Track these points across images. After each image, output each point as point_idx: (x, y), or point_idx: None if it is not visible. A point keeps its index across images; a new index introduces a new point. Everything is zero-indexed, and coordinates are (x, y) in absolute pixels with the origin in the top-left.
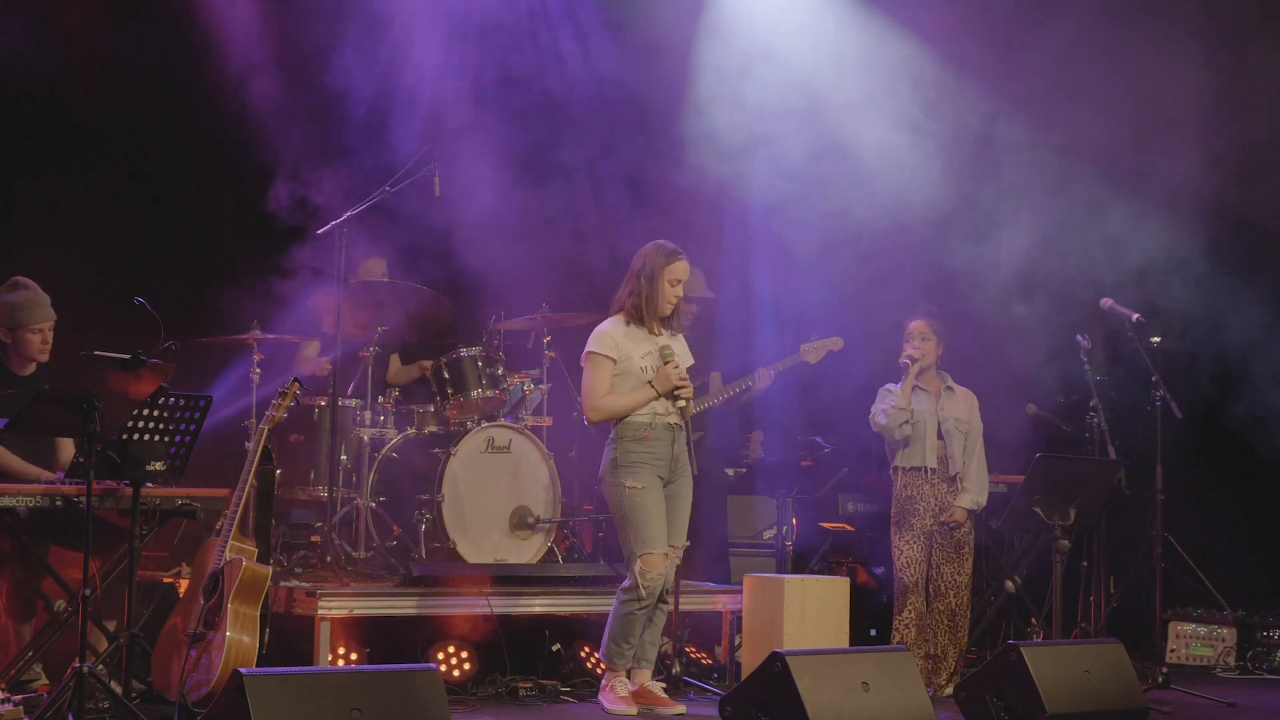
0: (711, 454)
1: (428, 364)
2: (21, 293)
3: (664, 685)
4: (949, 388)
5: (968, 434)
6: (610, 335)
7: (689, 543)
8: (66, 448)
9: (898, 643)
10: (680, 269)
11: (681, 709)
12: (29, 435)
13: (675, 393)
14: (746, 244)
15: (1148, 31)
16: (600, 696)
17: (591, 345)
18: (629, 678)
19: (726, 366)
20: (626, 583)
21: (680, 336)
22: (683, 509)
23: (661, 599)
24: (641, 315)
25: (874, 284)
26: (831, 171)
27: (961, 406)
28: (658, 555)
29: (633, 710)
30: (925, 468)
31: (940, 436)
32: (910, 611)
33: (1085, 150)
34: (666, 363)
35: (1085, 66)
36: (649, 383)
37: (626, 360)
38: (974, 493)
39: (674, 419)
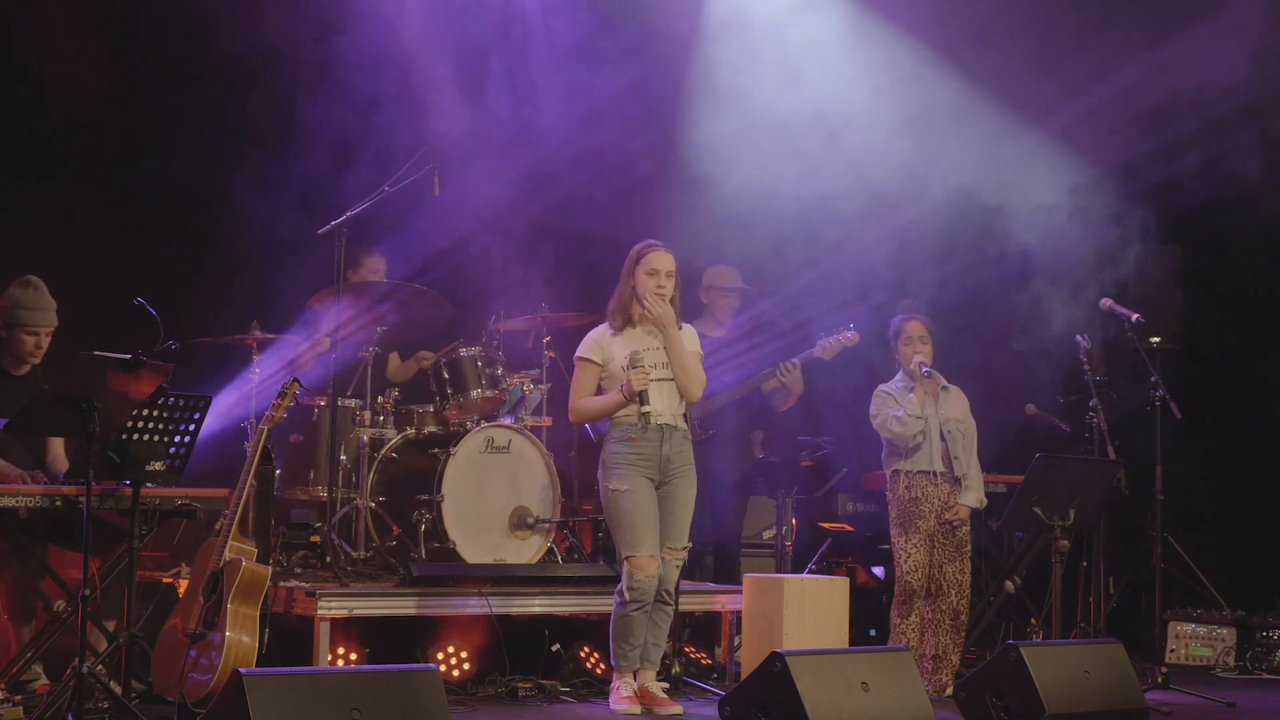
0: (720, 452)
1: (427, 356)
2: (29, 292)
3: (665, 686)
4: (944, 387)
5: (965, 433)
6: (595, 340)
7: (690, 544)
8: (57, 445)
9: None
10: (654, 259)
11: (679, 709)
12: (27, 435)
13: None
14: (749, 241)
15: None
16: (610, 698)
17: (579, 349)
18: (634, 678)
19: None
20: (620, 585)
21: (687, 329)
22: (678, 511)
23: (665, 600)
24: (623, 317)
25: (874, 283)
26: (830, 169)
27: (957, 406)
28: (643, 557)
29: (636, 709)
30: (933, 471)
31: (942, 438)
32: (915, 616)
33: (1086, 146)
34: (634, 368)
35: (1081, 62)
36: (620, 388)
37: (613, 363)
38: (977, 491)
39: (666, 419)
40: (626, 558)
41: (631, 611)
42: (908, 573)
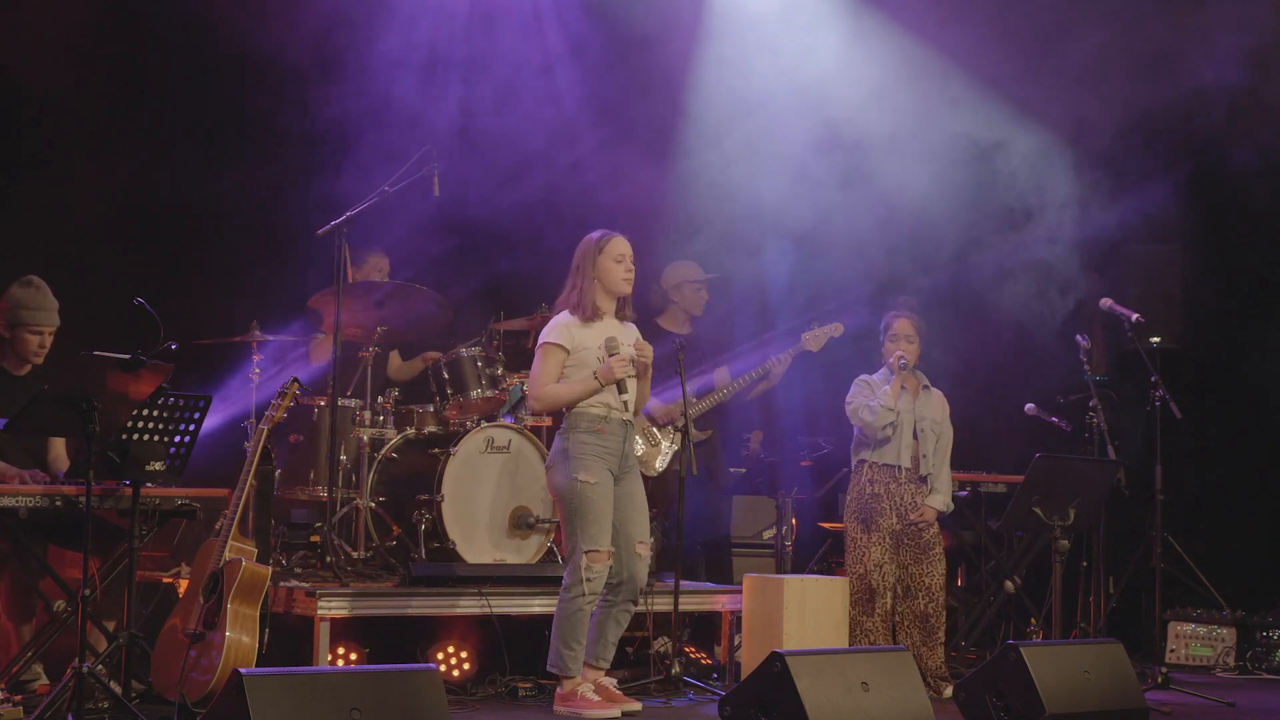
0: (721, 451)
1: (433, 356)
2: (31, 292)
3: (616, 683)
4: (926, 387)
5: (940, 435)
6: (565, 326)
7: (652, 538)
8: (58, 445)
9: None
10: (618, 245)
11: (637, 705)
12: (27, 435)
13: (620, 381)
14: (745, 240)
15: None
16: (562, 707)
17: (545, 335)
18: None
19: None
20: (569, 579)
21: (630, 326)
22: (639, 507)
23: (635, 601)
24: (592, 307)
25: (873, 281)
26: (830, 167)
27: (937, 407)
28: (606, 552)
29: (615, 712)
30: (899, 466)
31: (915, 436)
32: (879, 615)
33: (1086, 146)
34: (612, 354)
35: (1080, 60)
36: (594, 374)
37: (583, 351)
38: (944, 494)
39: (628, 415)
40: (588, 551)
41: (585, 605)
42: (869, 570)
